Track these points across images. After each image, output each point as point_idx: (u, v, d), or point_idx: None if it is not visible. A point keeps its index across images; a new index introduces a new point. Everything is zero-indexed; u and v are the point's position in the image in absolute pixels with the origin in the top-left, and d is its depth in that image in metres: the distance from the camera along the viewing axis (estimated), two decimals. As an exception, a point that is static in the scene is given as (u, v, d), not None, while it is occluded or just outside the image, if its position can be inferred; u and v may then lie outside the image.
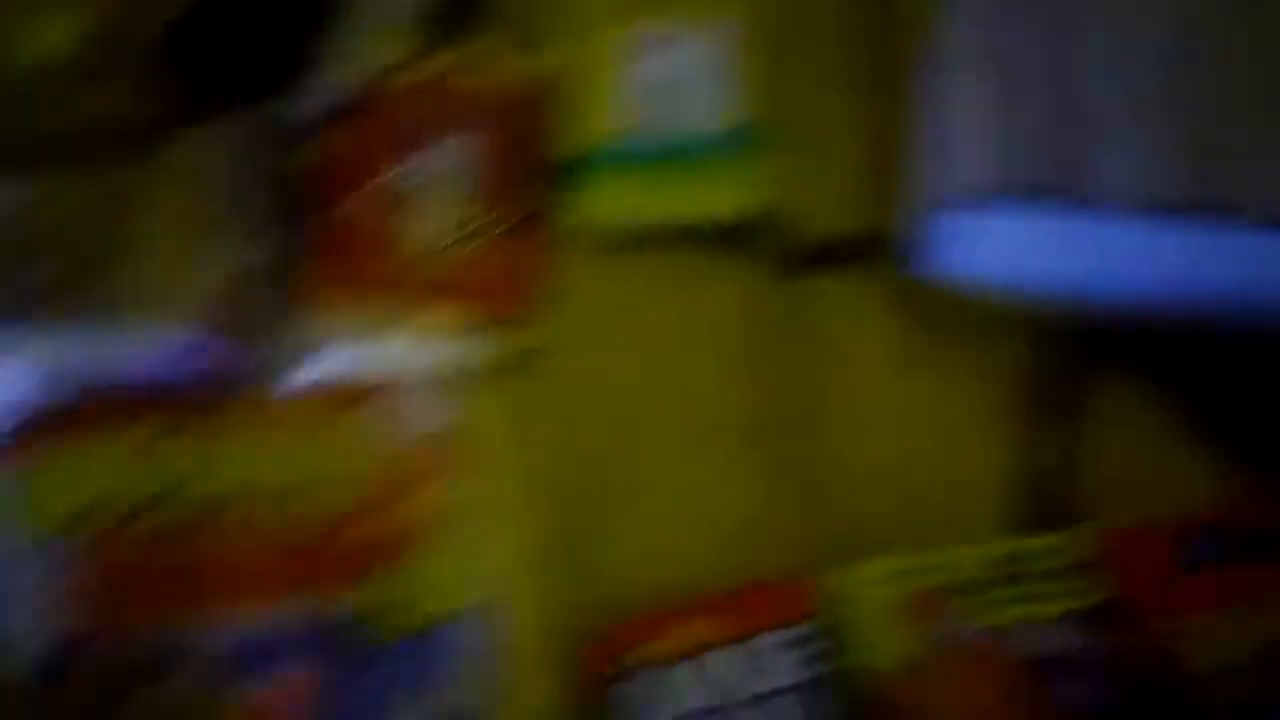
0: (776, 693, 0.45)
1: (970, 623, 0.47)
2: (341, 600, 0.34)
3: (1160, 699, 0.46)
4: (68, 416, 0.38)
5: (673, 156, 0.56)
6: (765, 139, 0.56)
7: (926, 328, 0.56)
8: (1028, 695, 0.46)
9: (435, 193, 0.54)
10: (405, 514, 0.36)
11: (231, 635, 0.34)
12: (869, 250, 0.57)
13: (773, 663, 0.46)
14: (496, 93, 0.56)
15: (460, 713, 0.37)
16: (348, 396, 0.39)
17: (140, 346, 0.45)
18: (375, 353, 0.52)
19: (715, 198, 0.56)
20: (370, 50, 0.55)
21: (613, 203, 0.55)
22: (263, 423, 0.38)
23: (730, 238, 0.57)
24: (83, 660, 0.31)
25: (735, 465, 0.53)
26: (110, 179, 0.46)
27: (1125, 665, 0.46)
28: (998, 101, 0.51)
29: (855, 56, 0.60)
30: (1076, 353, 0.56)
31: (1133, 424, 0.54)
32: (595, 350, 0.54)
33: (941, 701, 0.46)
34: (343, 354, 0.51)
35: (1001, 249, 0.52)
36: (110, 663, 0.32)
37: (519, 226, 0.54)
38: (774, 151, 0.57)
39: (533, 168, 0.56)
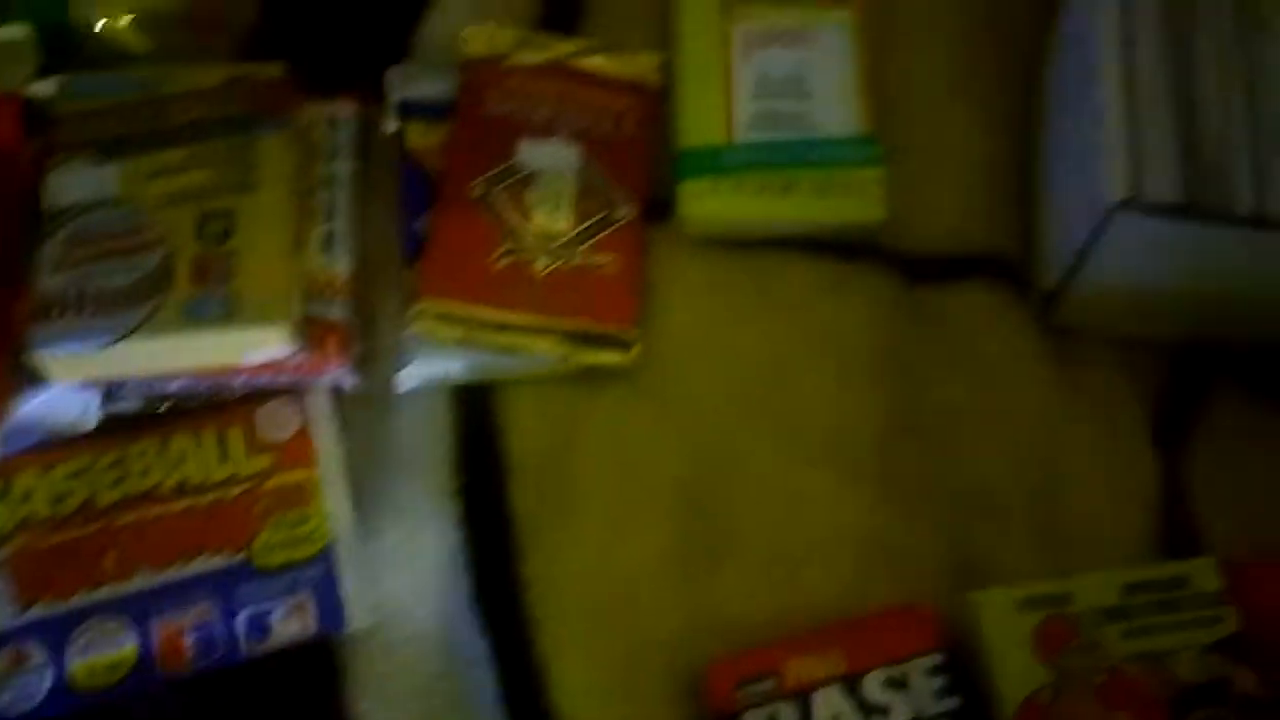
0: None
1: (1102, 653, 0.44)
2: (230, 553, 0.46)
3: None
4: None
5: (794, 160, 0.54)
6: (885, 148, 0.54)
7: (1057, 344, 0.53)
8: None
9: (548, 188, 0.53)
10: (278, 488, 0.47)
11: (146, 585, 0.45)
12: (991, 266, 0.54)
13: (910, 695, 0.44)
14: (610, 85, 0.55)
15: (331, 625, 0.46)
16: (238, 409, 0.48)
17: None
18: (478, 357, 0.51)
19: (838, 207, 0.53)
20: (472, 36, 0.55)
21: (728, 205, 0.53)
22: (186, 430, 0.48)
23: (849, 247, 0.54)
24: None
25: (857, 480, 0.50)
26: (211, 167, 0.46)
27: (1255, 699, 0.43)
28: (1144, 114, 0.47)
29: (975, 72, 0.57)
30: (1200, 371, 0.53)
31: (1250, 441, 0.51)
32: (703, 359, 0.52)
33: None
34: (443, 356, 0.50)
35: (1137, 262, 0.48)
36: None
37: (630, 227, 0.53)
38: (894, 162, 0.54)
39: (646, 166, 0.54)
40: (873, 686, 0.44)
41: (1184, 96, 0.48)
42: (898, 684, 0.44)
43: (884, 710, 0.43)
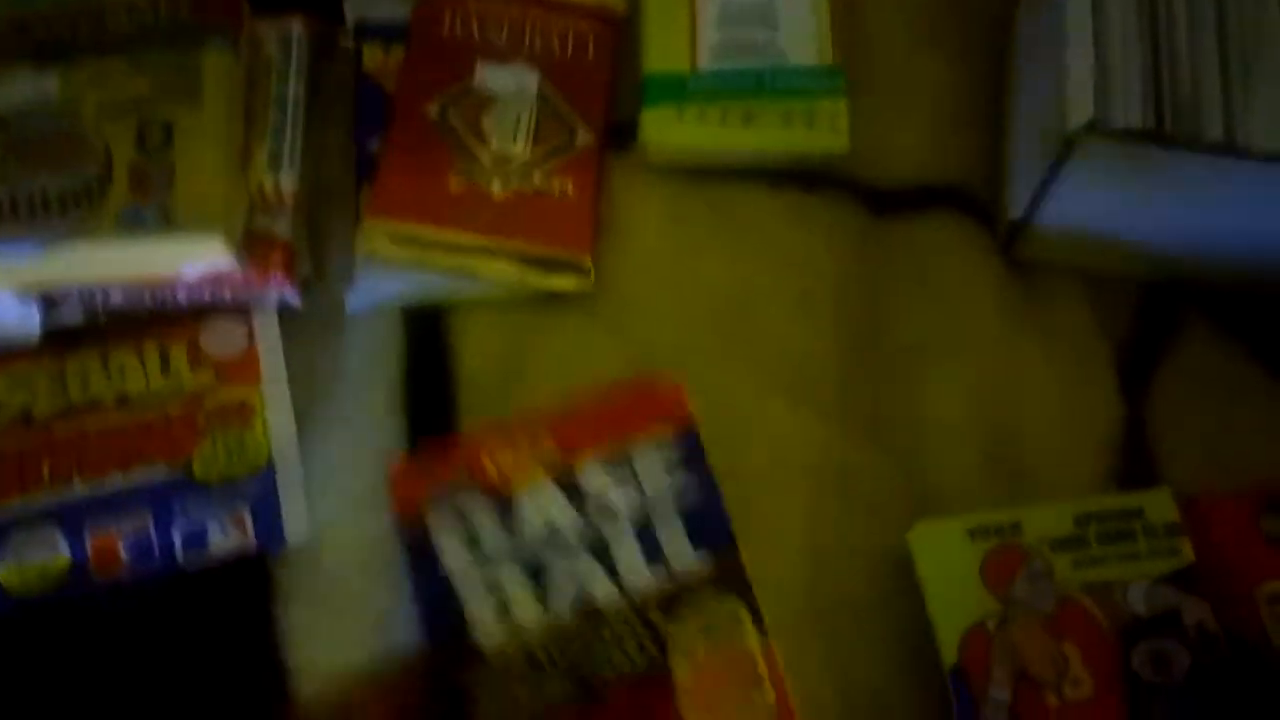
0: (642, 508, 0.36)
1: (1052, 583, 0.43)
2: (173, 465, 0.45)
3: (1241, 666, 0.42)
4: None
5: (758, 89, 0.53)
6: (853, 80, 0.53)
7: (1023, 279, 0.52)
8: (1106, 656, 0.42)
9: (506, 112, 0.52)
10: (221, 404, 0.47)
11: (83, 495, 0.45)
12: (957, 198, 0.53)
13: (638, 483, 0.37)
14: (573, 10, 0.54)
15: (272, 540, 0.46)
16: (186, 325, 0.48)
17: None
18: (429, 278, 0.50)
19: (801, 137, 0.52)
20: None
21: (691, 133, 0.52)
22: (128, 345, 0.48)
23: (813, 178, 0.53)
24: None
25: (817, 409, 0.49)
26: (154, 77, 0.45)
27: (1206, 631, 0.42)
28: (1112, 41, 0.46)
29: (946, 6, 0.56)
30: (1169, 309, 0.52)
31: (1216, 383, 0.50)
32: (663, 287, 0.51)
33: (1013, 659, 0.42)
34: (393, 277, 0.50)
35: (1101, 191, 0.47)
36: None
37: (588, 153, 0.52)
38: (861, 94, 0.53)
39: (607, 93, 0.53)
40: (591, 475, 0.36)
41: (1154, 25, 0.46)
42: (622, 470, 0.37)
43: (604, 501, 0.36)
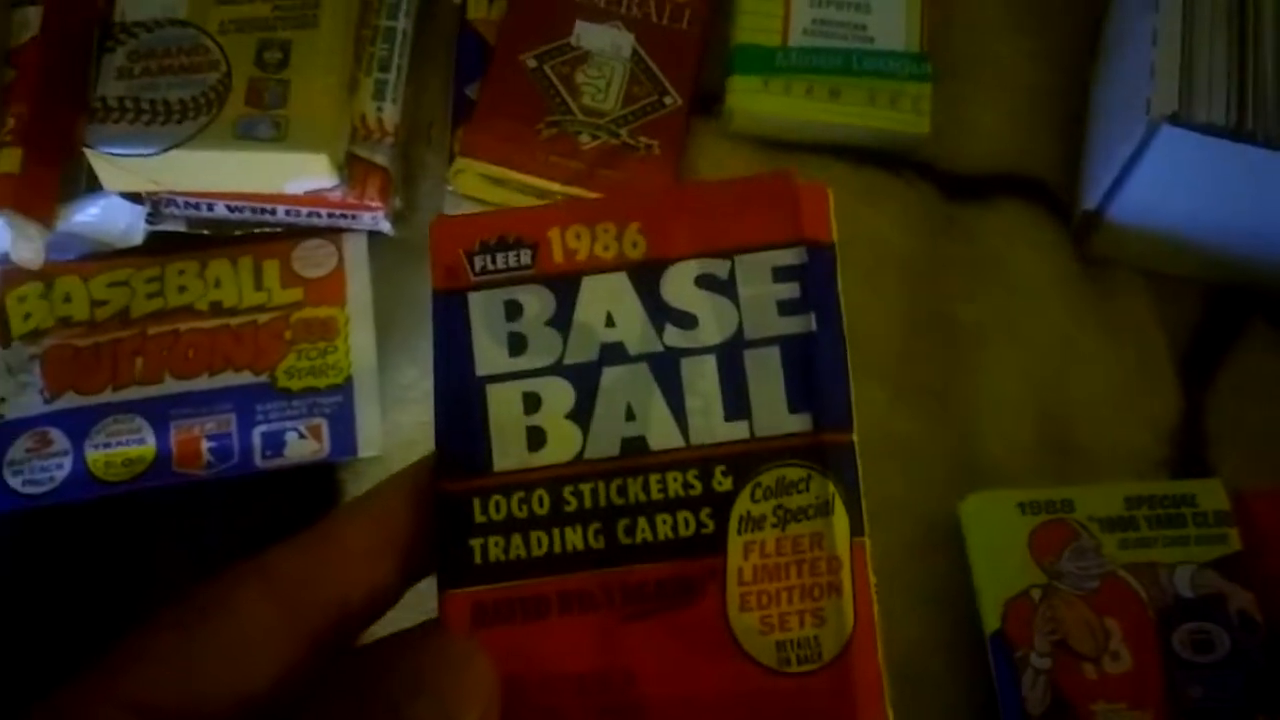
0: (739, 344, 0.26)
1: (1099, 560, 0.44)
2: (254, 372, 0.48)
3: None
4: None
5: (845, 68, 0.54)
6: (938, 68, 0.54)
7: (1091, 273, 0.53)
8: (1148, 634, 0.43)
9: (600, 69, 0.53)
10: (307, 320, 0.49)
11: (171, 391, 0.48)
12: (1031, 188, 0.54)
13: (735, 302, 0.27)
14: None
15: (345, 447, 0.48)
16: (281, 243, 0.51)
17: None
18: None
19: (884, 116, 0.54)
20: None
21: (776, 103, 0.54)
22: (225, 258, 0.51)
23: (891, 159, 0.55)
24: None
25: (874, 379, 0.50)
26: (276, 1, 0.47)
27: (1249, 618, 0.43)
28: (1199, 39, 0.47)
29: (1034, 2, 0.57)
30: (1235, 311, 0.52)
31: (1274, 387, 0.51)
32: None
33: (1055, 630, 0.43)
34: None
35: (1177, 186, 0.48)
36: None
37: (675, 115, 0.53)
38: (945, 82, 0.54)
39: (698, 61, 0.55)
40: (678, 282, 0.27)
41: (1241, 25, 0.48)
42: (718, 284, 0.27)
43: (688, 320, 0.26)
